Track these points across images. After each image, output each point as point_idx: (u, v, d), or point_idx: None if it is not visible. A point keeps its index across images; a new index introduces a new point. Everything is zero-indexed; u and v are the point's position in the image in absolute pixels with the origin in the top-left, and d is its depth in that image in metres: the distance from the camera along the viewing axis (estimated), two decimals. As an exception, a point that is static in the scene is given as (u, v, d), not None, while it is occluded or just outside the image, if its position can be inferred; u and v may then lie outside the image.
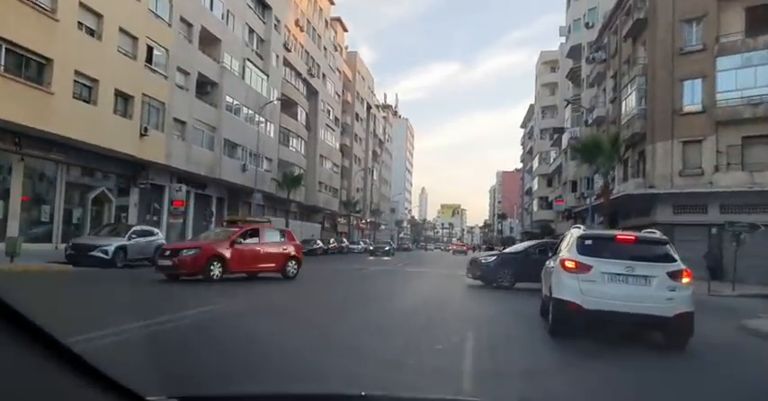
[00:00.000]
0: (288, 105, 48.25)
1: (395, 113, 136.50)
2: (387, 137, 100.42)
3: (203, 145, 32.84)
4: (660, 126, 28.89)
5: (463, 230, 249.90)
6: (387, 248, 48.53)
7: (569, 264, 8.04)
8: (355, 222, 76.98)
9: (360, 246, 56.29)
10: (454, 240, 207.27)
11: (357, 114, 73.58)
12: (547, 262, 10.66)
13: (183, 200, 26.01)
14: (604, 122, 39.90)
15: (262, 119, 40.82)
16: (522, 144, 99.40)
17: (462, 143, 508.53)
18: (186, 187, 29.27)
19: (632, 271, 7.70)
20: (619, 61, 36.09)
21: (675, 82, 28.41)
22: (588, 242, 8.37)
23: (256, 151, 38.96)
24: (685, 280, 7.76)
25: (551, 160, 63.20)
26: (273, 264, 16.30)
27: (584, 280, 7.78)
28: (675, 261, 7.97)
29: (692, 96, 28.06)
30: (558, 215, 58.63)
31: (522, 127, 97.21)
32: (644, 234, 9.03)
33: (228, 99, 35.59)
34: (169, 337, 6.68)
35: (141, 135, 25.58)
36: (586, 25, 47.55)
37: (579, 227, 9.89)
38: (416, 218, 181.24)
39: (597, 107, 40.49)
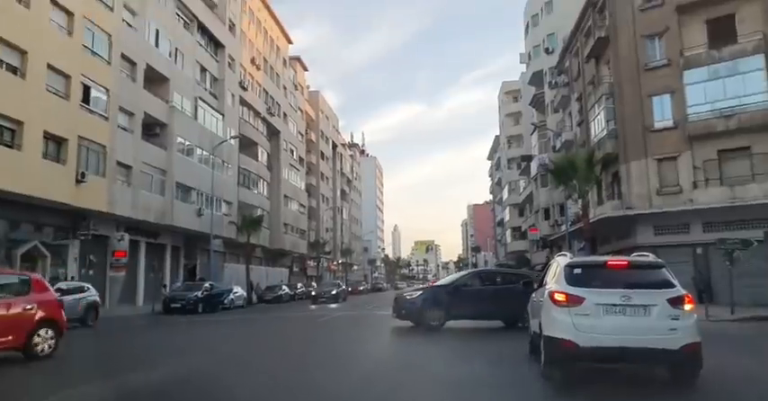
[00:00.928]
0: (247, 145, 46.41)
1: (362, 152, 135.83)
2: (355, 175, 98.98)
3: (152, 190, 30.58)
4: (632, 144, 27.76)
5: (438, 266, 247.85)
6: (334, 292, 40.19)
7: (559, 297, 7.19)
8: (326, 264, 74.46)
9: (334, 291, 53.76)
10: (429, 277, 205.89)
11: (322, 153, 72.05)
12: (533, 295, 9.76)
13: (125, 251, 23.59)
14: (573, 146, 38.91)
15: (218, 160, 38.80)
16: (489, 175, 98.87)
17: (432, 180, 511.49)
18: (130, 236, 26.84)
19: (629, 300, 6.87)
20: (583, 83, 35.32)
21: (644, 98, 27.43)
22: (577, 270, 7.51)
23: (213, 194, 36.78)
24: (688, 306, 6.93)
25: (521, 189, 62.19)
26: (9, 337, 9.40)
27: (577, 313, 6.94)
28: (675, 286, 7.13)
29: (662, 112, 27.06)
30: (533, 244, 57.16)
31: (488, 158, 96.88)
32: (636, 258, 8.16)
33: (180, 140, 33.57)
34: None
35: (78, 181, 23.31)
36: (546, 50, 47.20)
37: (565, 255, 8.84)
38: (390, 256, 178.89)
39: (564, 131, 39.61)
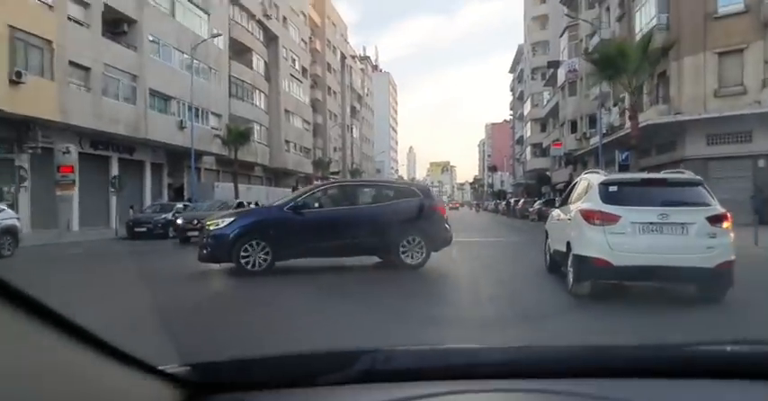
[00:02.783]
0: (240, 52, 41.60)
1: (375, 67, 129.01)
2: (366, 91, 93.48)
3: (120, 97, 26.51)
4: (688, 36, 22.82)
5: (453, 187, 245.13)
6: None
7: (593, 216, 7.01)
8: (336, 184, 71.19)
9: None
10: (445, 198, 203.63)
11: (329, 65, 66.66)
12: (552, 213, 9.85)
13: (71, 166, 19.90)
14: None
15: (204, 66, 34.34)
16: (510, 90, 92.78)
17: (449, 100, 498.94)
18: (99, 150, 23.05)
19: (667, 218, 6.73)
20: (625, -33, 29.68)
21: (707, -24, 22.23)
22: (613, 188, 7.25)
23: (197, 105, 32.64)
24: (726, 224, 6.81)
25: (545, 102, 56.97)
26: None
27: (612, 232, 6.81)
28: (713, 204, 6.98)
29: (730, -7, 21.94)
30: (555, 161, 52.79)
31: (510, 71, 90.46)
32: (674, 175, 8.21)
33: (153, 39, 29.03)
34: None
35: (12, 82, 19.30)
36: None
37: (597, 172, 8.66)
38: (404, 177, 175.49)
39: (601, 29, 34.14)
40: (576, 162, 42.47)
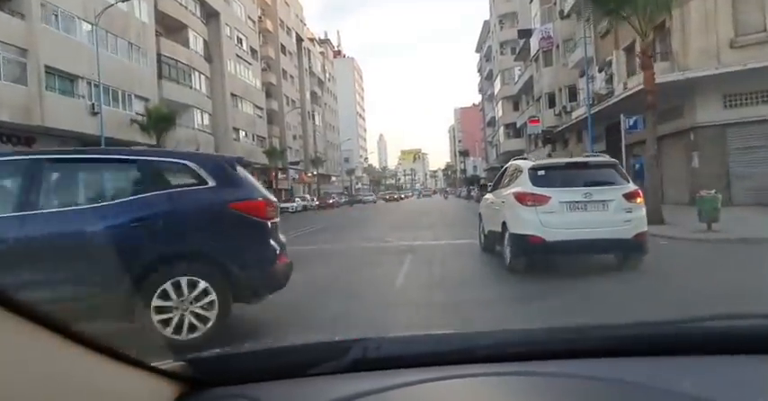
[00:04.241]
0: (174, 29, 36.48)
1: (338, 53, 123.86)
2: (328, 76, 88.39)
3: (2, 76, 21.44)
4: (694, -27, 18.72)
5: (426, 175, 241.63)
6: None
7: (526, 198, 7.80)
8: (298, 175, 66.21)
9: (295, 204, 45.88)
10: (417, 186, 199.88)
11: (283, 47, 61.55)
12: (485, 197, 10.55)
13: None
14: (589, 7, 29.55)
15: (123, 42, 29.24)
16: (478, 71, 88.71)
17: (419, 86, 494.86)
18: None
19: (590, 197, 7.62)
20: None
21: None
22: (541, 172, 8.04)
23: (114, 85, 27.62)
24: (639, 200, 7.79)
25: (516, 78, 52.96)
26: None
27: (544, 211, 7.59)
28: (628, 182, 7.93)
29: None
30: (531, 141, 48.90)
31: (476, 51, 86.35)
32: (593, 158, 9.34)
33: (42, 3, 23.83)
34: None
35: None
36: None
37: (525, 158, 9.61)
38: (376, 166, 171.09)
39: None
40: (555, 140, 38.52)
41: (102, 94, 26.93)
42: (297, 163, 61.50)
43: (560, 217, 7.51)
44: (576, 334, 1.22)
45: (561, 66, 34.69)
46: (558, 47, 35.17)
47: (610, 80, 26.11)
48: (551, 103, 36.34)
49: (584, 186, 7.65)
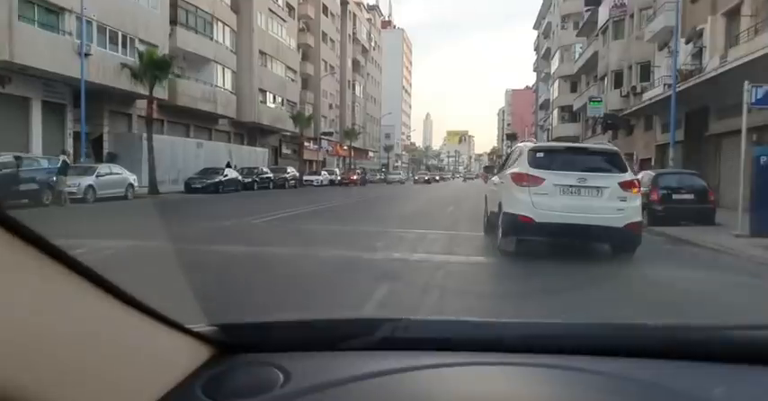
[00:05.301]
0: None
1: (388, 23, 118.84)
2: (374, 44, 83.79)
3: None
4: None
5: (470, 158, 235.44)
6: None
7: (521, 178, 7.88)
8: (332, 147, 62.48)
9: (321, 177, 42.19)
10: (461, 169, 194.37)
11: (325, 6, 57.31)
12: (491, 180, 10.70)
13: None
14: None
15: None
16: (534, 49, 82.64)
17: (470, 68, 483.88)
18: None
19: (584, 182, 7.64)
20: None
21: None
22: (540, 154, 8.16)
23: (112, 24, 24.14)
24: (635, 190, 7.81)
25: (576, 56, 47.51)
26: None
27: (537, 193, 7.67)
28: (626, 171, 8.00)
29: None
30: (588, 127, 43.70)
31: (534, 28, 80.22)
32: (594, 144, 10.15)
33: None
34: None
35: None
36: None
37: (533, 141, 11.02)
38: (419, 145, 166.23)
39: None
40: (618, 126, 33.47)
41: (97, 34, 23.49)
42: (330, 133, 57.72)
43: (553, 199, 7.60)
44: (606, 331, 1.21)
45: (634, 38, 29.55)
46: (632, 16, 29.99)
47: (698, 54, 21.15)
48: (618, 83, 31.28)
49: (581, 171, 7.69)
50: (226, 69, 36.03)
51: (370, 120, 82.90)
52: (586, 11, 42.67)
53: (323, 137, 56.37)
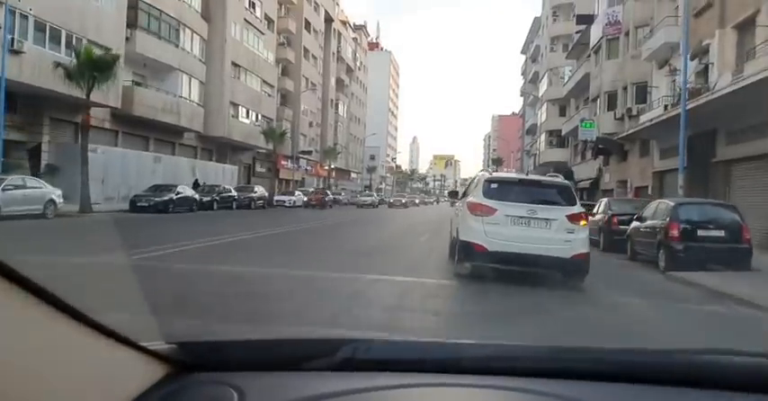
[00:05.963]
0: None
1: (375, 45, 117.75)
2: (359, 64, 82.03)
3: None
4: None
5: (456, 182, 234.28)
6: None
7: (475, 207, 8.20)
8: (312, 167, 59.92)
9: (294, 198, 39.51)
10: (446, 193, 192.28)
11: (308, 22, 55.32)
12: (456, 205, 10.89)
13: None
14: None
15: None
16: (522, 74, 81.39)
17: (458, 93, 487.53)
18: None
19: (534, 214, 7.94)
20: None
21: None
22: (494, 185, 8.46)
23: (50, 19, 21.62)
24: (582, 222, 8.15)
25: (566, 78, 45.74)
26: None
27: (489, 222, 7.96)
28: (575, 204, 8.32)
29: None
30: (577, 152, 41.62)
31: (522, 52, 79.02)
32: (547, 177, 9.77)
33: None
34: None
35: None
36: None
37: (488, 171, 11.58)
38: (405, 168, 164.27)
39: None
40: (610, 151, 31.33)
41: (34, 31, 20.93)
42: (309, 152, 55.23)
43: (504, 229, 7.91)
44: (566, 355, 1.21)
45: (630, 58, 27.55)
46: (627, 34, 28.04)
47: (704, 71, 19.02)
48: (611, 105, 29.18)
49: (531, 203, 8.01)
50: (193, 79, 33.55)
51: (354, 140, 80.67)
52: (576, 32, 40.97)
53: (301, 155, 53.85)
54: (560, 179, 9.20)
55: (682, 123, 15.28)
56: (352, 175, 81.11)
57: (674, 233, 10.23)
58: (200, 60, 34.59)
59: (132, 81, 29.26)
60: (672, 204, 11.04)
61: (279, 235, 15.86)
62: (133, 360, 0.94)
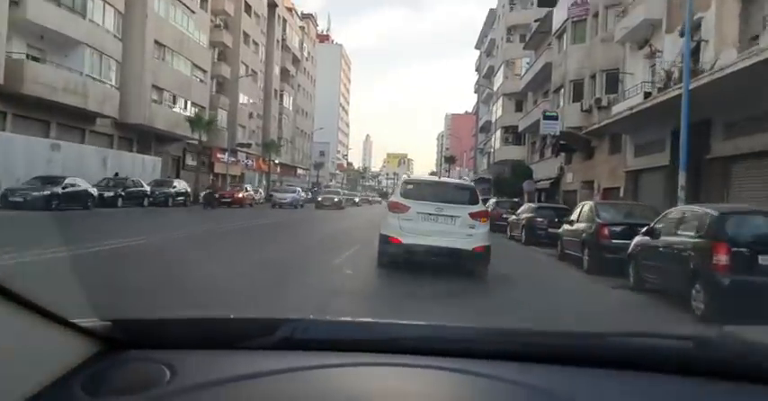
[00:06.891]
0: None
1: (326, 37, 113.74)
2: (306, 55, 77.77)
3: None
4: None
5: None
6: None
7: (393, 206, 9.58)
8: (253, 162, 55.57)
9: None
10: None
11: (248, 5, 50.92)
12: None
13: None
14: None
15: None
16: (476, 69, 78.92)
17: (411, 92, 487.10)
18: None
19: (441, 211, 9.11)
20: None
21: None
22: (410, 186, 9.98)
23: None
24: (483, 219, 9.38)
25: (522, 71, 43.08)
26: None
27: (404, 218, 9.20)
28: (477, 203, 9.63)
29: None
30: (536, 149, 38.93)
31: (476, 47, 76.53)
32: (454, 180, 12.72)
33: None
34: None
35: None
36: None
37: (407, 174, 13.91)
38: (358, 166, 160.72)
39: None
40: (573, 149, 28.58)
41: None
42: (248, 145, 50.88)
43: (416, 224, 9.09)
44: (500, 337, 1.23)
45: (599, 41, 24.74)
46: (596, 15, 25.23)
47: (695, 50, 16.12)
48: (577, 96, 26.31)
49: (440, 202, 9.19)
50: (105, 57, 29.01)
51: (301, 134, 76.48)
52: (535, 21, 38.31)
53: (239, 148, 49.49)
54: (466, 181, 8.72)
55: (684, 107, 12.20)
56: (299, 171, 76.93)
57: (722, 259, 6.58)
58: (115, 36, 30.06)
59: (27, 55, 24.77)
60: (714, 214, 7.25)
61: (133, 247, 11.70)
62: (63, 336, 0.91)
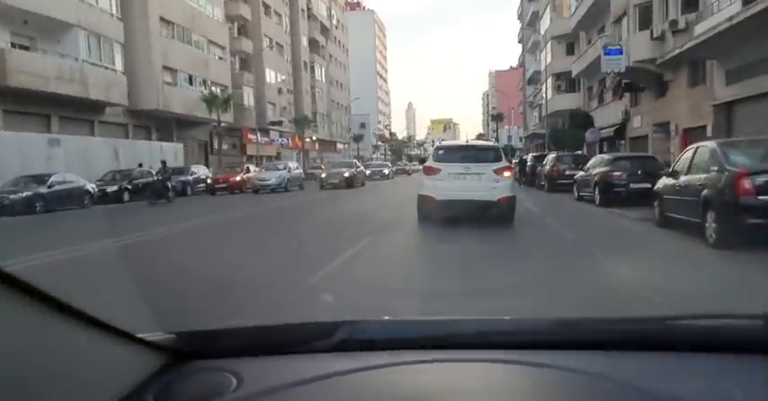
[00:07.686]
0: None
1: (357, 4, 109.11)
2: (335, 23, 73.92)
3: None
4: None
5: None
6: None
7: (427, 169, 11.15)
8: (288, 140, 52.83)
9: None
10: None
11: (264, -29, 47.47)
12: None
13: None
14: None
15: None
16: (518, 17, 73.14)
17: (454, 55, 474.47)
18: None
19: (468, 170, 10.54)
20: None
21: None
22: (441, 152, 11.38)
23: None
24: (506, 173, 10.79)
25: (573, 8, 38.15)
26: None
27: (437, 179, 10.68)
28: (501, 161, 10.87)
29: None
30: (594, 94, 34.34)
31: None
32: (480, 141, 16.19)
33: None
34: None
35: None
36: None
37: (444, 139, 16.50)
38: (401, 136, 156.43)
39: None
40: (639, 88, 24.19)
41: None
42: (280, 123, 48.04)
43: (447, 183, 10.55)
44: (562, 326, 1.22)
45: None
46: None
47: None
48: (644, 22, 21.85)
49: (467, 162, 10.66)
50: (103, 39, 26.34)
51: (337, 107, 73.20)
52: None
53: (270, 127, 46.73)
54: (491, 142, 11.95)
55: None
56: (339, 146, 73.91)
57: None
58: (113, 15, 27.36)
59: (12, 44, 22.36)
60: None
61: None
62: (130, 351, 0.94)
